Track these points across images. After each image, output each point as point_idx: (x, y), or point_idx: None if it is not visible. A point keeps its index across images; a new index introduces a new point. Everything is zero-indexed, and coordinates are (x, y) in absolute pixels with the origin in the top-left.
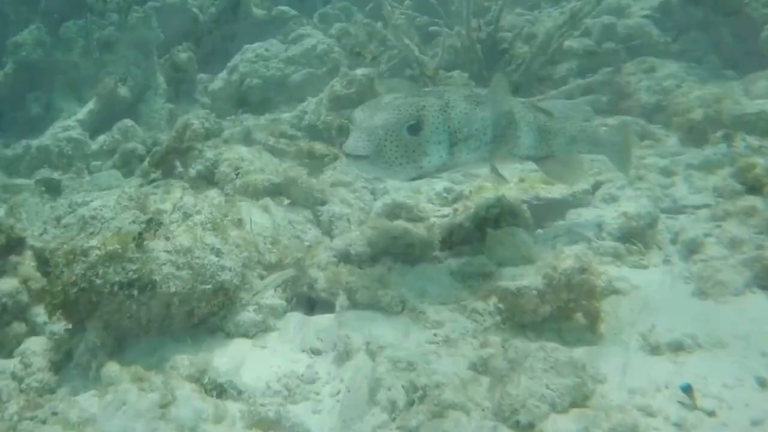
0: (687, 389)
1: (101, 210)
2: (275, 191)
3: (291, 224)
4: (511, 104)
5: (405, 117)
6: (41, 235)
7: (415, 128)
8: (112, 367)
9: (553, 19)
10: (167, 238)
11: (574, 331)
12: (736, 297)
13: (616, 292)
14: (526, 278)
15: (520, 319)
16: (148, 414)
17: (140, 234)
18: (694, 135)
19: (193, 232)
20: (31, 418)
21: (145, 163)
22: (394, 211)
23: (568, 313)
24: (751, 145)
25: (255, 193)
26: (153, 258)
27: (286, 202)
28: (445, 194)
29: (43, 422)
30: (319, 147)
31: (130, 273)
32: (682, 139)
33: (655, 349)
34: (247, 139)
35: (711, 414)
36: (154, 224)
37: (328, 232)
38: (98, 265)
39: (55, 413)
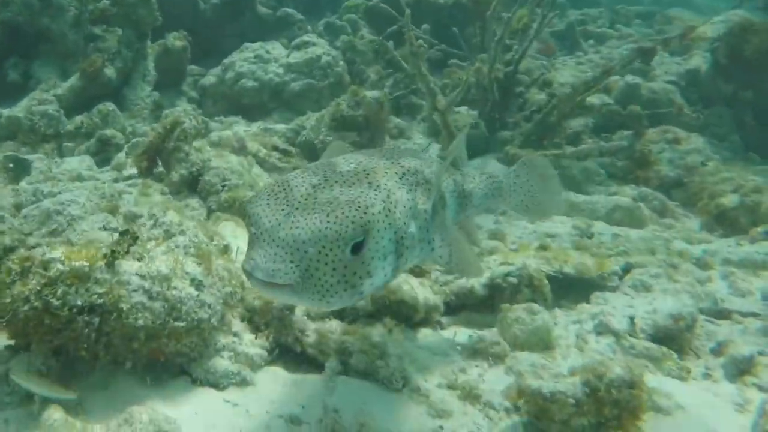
0: None
1: (69, 205)
2: None
3: None
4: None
5: (348, 230)
6: None
7: (359, 245)
8: (55, 414)
9: (570, 68)
10: (140, 259)
11: None
12: None
13: (656, 409)
14: (562, 382)
15: (546, 427)
16: None
17: (113, 252)
18: (723, 223)
19: (174, 256)
20: None
21: (122, 154)
22: None
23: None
24: None
25: (241, 210)
26: (123, 282)
27: None
28: None
29: None
30: None
31: (95, 297)
32: (707, 223)
33: None
34: (237, 146)
35: None
36: (128, 237)
37: None
38: (58, 283)
39: None
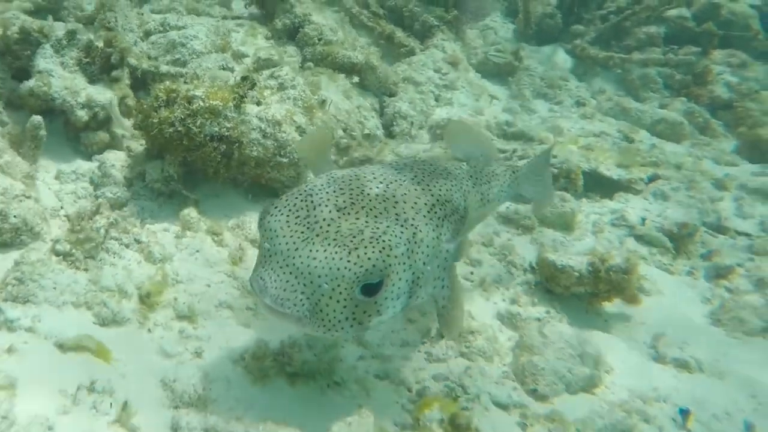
0: (684, 413)
1: (192, 40)
2: (352, 70)
3: (358, 109)
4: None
5: (364, 271)
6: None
7: (374, 288)
8: (192, 213)
9: None
10: (259, 103)
11: (597, 315)
12: (748, 337)
13: (640, 290)
14: (573, 259)
15: (553, 288)
16: (216, 267)
17: (242, 97)
18: (755, 151)
19: (286, 106)
20: (116, 239)
21: None
22: None
23: (598, 300)
24: None
25: (332, 64)
26: (246, 121)
27: (356, 79)
28: (505, 126)
29: (127, 246)
30: (399, 35)
31: (224, 129)
32: (741, 148)
33: (660, 358)
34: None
35: None
36: (248, 83)
37: (388, 126)
38: (198, 115)
39: (138, 241)
